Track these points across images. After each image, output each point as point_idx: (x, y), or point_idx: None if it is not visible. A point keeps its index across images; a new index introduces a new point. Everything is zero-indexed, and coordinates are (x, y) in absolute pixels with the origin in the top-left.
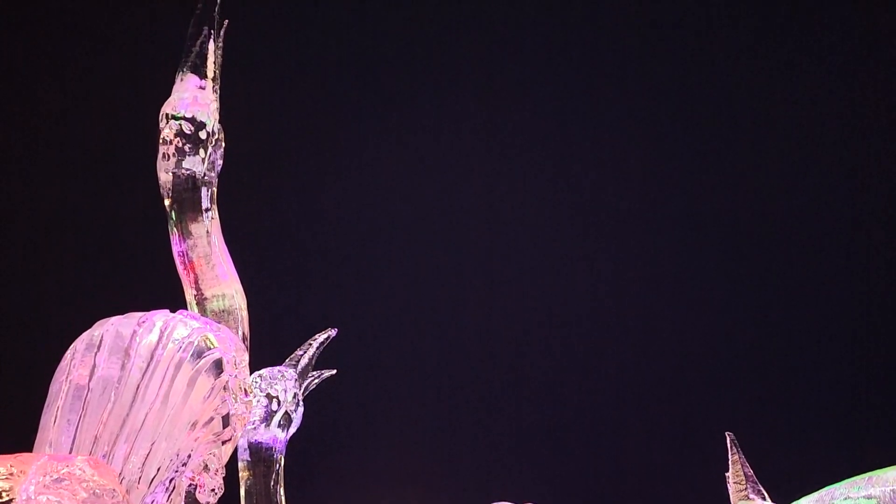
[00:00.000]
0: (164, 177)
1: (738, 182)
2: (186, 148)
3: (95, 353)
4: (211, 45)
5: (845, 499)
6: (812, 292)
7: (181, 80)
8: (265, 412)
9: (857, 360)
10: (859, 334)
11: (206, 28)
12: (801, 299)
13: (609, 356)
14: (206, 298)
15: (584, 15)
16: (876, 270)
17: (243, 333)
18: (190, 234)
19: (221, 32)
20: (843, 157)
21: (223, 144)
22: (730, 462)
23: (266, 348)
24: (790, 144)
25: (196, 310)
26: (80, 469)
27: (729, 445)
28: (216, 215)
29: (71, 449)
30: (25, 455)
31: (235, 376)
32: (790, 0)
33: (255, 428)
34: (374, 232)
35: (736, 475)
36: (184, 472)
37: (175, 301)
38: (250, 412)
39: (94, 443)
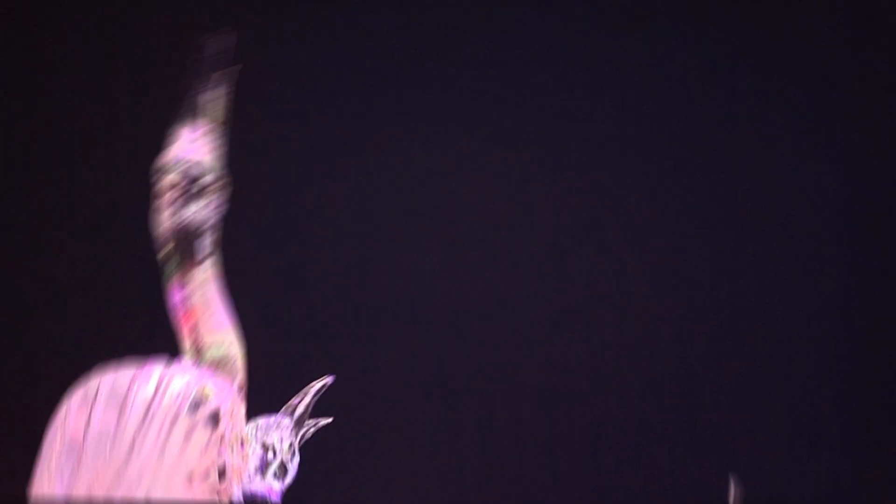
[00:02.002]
0: (164, 224)
1: (737, 183)
2: (186, 196)
3: (91, 406)
4: (211, 94)
5: None
6: (815, 294)
7: (181, 128)
8: (260, 462)
9: (861, 362)
10: (863, 337)
11: (204, 77)
12: (803, 300)
13: (609, 360)
14: (203, 346)
15: (583, 15)
16: (880, 271)
17: (240, 382)
18: (188, 281)
19: (230, 77)
20: (844, 156)
21: (224, 191)
22: None
23: (262, 396)
24: (791, 143)
25: (193, 358)
26: None
27: (733, 490)
28: (215, 262)
29: None
30: None
31: (232, 428)
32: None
33: (249, 478)
34: (374, 285)
35: None
36: None
37: (173, 349)
38: (247, 464)
39: (89, 498)
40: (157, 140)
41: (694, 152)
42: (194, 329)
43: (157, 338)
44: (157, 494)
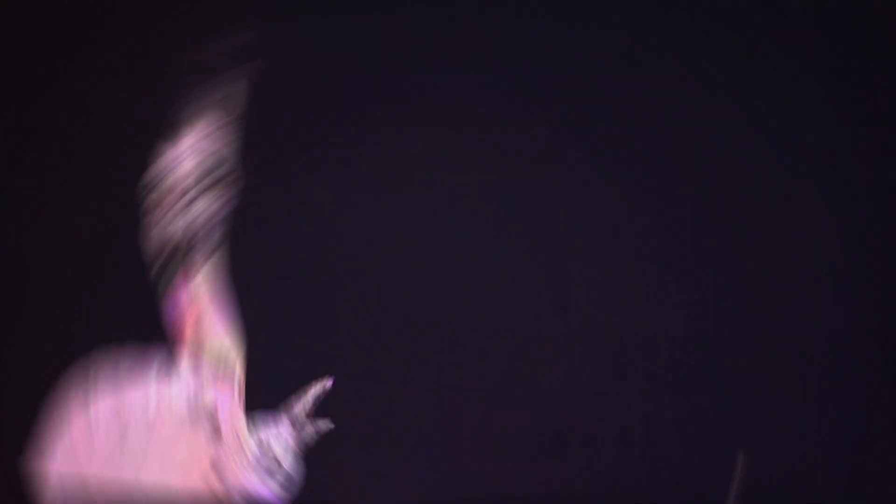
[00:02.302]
0: (169, 226)
1: (737, 183)
2: (187, 200)
3: (91, 405)
4: (219, 92)
5: None
6: (815, 293)
7: (185, 127)
8: (258, 461)
9: (861, 362)
10: (863, 337)
11: (214, 75)
12: (803, 300)
13: (609, 360)
14: (204, 345)
15: (585, 15)
16: (880, 271)
17: (239, 382)
18: (192, 281)
19: (241, 75)
20: (844, 155)
21: (228, 190)
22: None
23: (262, 396)
24: (791, 143)
25: (194, 355)
26: None
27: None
28: (217, 263)
29: None
30: None
31: (230, 427)
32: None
33: (247, 477)
34: (375, 285)
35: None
36: None
37: (173, 346)
38: (245, 464)
39: (88, 495)
40: (161, 139)
41: (694, 152)
42: (195, 327)
43: (157, 335)
44: (156, 493)
